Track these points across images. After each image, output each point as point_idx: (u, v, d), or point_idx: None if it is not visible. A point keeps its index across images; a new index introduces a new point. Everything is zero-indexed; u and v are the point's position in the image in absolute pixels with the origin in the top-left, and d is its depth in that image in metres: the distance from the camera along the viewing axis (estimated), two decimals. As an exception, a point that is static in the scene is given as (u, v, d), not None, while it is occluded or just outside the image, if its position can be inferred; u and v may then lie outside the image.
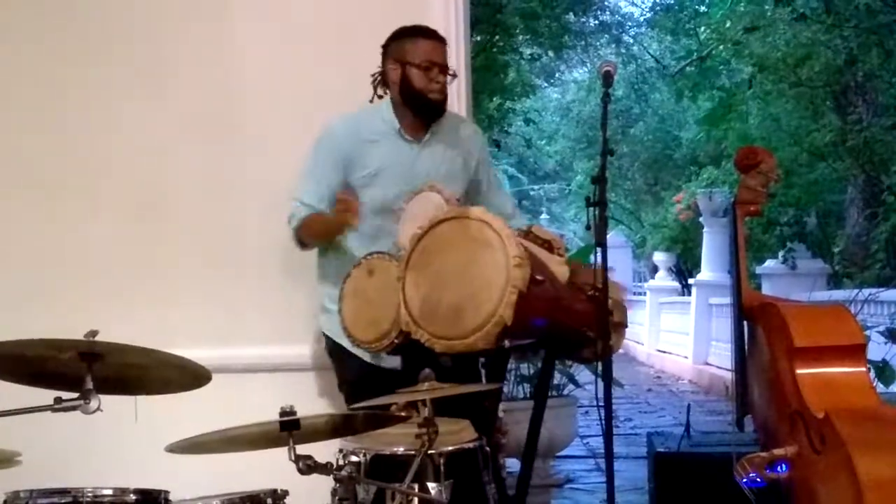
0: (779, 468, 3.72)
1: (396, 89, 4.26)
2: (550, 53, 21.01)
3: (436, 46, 4.27)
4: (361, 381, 4.09)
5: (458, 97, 4.77)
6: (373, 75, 4.34)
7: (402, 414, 3.26)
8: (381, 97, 4.34)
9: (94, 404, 2.84)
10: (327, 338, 4.35)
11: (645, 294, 23.48)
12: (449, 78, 4.29)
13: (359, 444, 3.44)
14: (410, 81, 4.22)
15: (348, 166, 4.23)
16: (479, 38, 14.33)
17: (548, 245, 4.09)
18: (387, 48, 4.30)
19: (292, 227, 4.26)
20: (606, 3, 23.25)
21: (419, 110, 4.26)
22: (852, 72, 15.91)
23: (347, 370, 4.26)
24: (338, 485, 3.25)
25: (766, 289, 14.18)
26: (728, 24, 18.57)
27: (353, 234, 4.19)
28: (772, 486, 3.75)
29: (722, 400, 13.01)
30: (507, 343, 3.77)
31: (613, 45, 23.88)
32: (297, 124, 4.69)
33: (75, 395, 2.86)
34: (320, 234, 4.27)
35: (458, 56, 4.69)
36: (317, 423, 3.08)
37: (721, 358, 15.16)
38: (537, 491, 6.68)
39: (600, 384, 3.76)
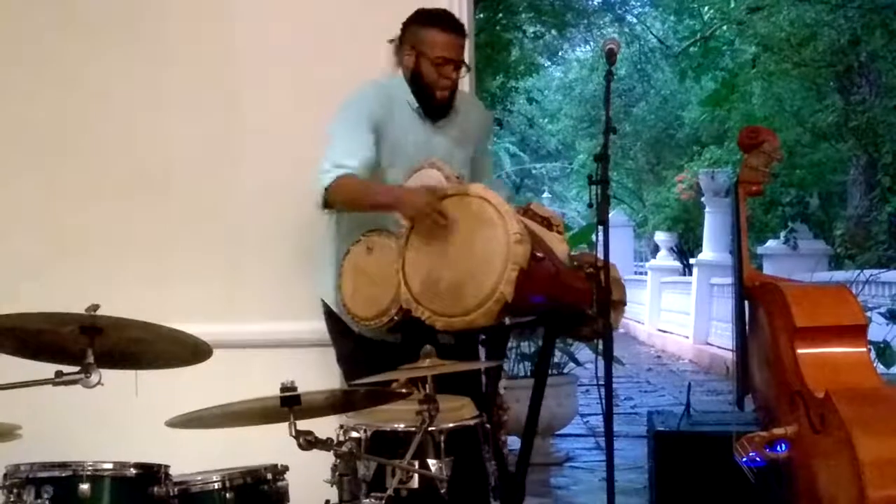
0: (778, 447, 3.73)
1: (408, 74, 4.18)
2: (553, 32, 20.97)
3: (454, 41, 4.15)
4: (360, 352, 4.07)
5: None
6: (390, 41, 4.22)
7: (403, 390, 3.26)
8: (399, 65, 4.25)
9: (94, 378, 2.85)
10: (329, 309, 4.28)
11: (646, 274, 23.48)
12: (463, 71, 4.21)
13: (359, 420, 3.44)
14: (421, 73, 4.13)
15: (379, 129, 4.05)
16: (482, 16, 14.30)
17: (546, 222, 4.07)
18: (406, 28, 4.19)
19: (321, 187, 3.91)
20: (610, -18, 23.25)
21: (423, 102, 4.16)
22: (856, 52, 15.89)
23: (347, 342, 4.22)
24: (338, 460, 3.24)
25: (768, 269, 14.19)
26: (732, 4, 18.58)
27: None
28: (771, 466, 3.76)
29: (722, 379, 13.04)
30: (507, 320, 3.76)
31: (616, 25, 23.81)
32: (296, 103, 4.69)
33: (76, 368, 2.86)
34: (368, 201, 3.99)
35: (461, 33, 4.67)
36: (317, 398, 3.08)
37: (722, 338, 15.19)
38: (537, 469, 6.71)
39: (601, 363, 3.76)
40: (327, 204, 3.97)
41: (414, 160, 4.07)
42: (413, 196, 3.84)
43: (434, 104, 4.17)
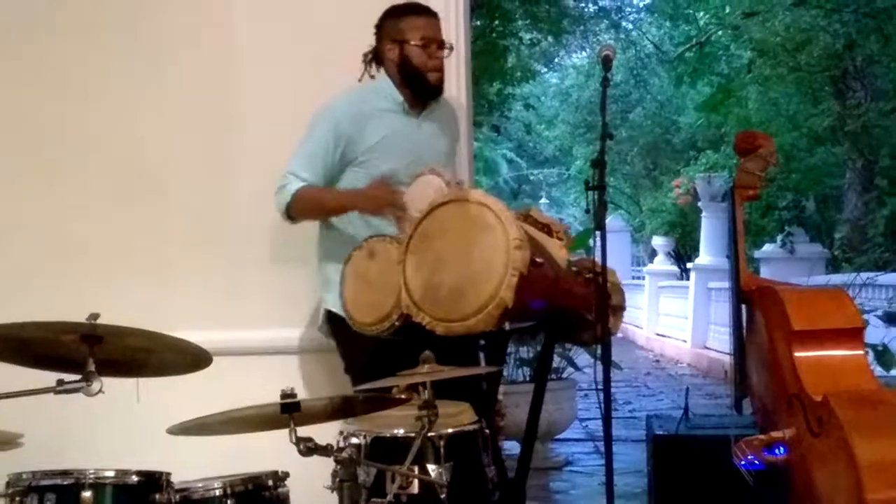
0: (776, 451, 3.73)
1: (395, 68, 4.25)
2: (550, 38, 20.99)
3: (431, 22, 4.27)
4: (372, 353, 4.06)
5: (457, 82, 4.75)
6: (365, 54, 4.33)
7: (403, 396, 3.27)
8: (372, 77, 4.33)
9: (95, 386, 2.85)
10: (334, 316, 4.30)
11: (644, 278, 23.48)
12: (446, 51, 4.29)
13: (359, 427, 3.45)
14: (409, 60, 4.21)
15: (348, 144, 4.20)
16: (478, 23, 14.32)
17: (547, 228, 4.09)
18: (381, 27, 4.29)
19: (283, 200, 4.18)
20: (606, -12, 23.26)
21: (417, 89, 4.26)
22: (851, 57, 15.93)
23: (358, 345, 4.21)
24: (338, 466, 3.25)
25: (765, 273, 14.21)
26: (727, 10, 18.62)
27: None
28: (770, 469, 3.76)
29: (720, 383, 13.03)
30: (507, 325, 3.77)
31: (612, 31, 23.83)
32: (295, 105, 4.68)
33: (77, 377, 2.86)
34: (327, 206, 4.22)
35: (457, 40, 4.68)
36: (317, 405, 3.09)
37: (720, 342, 15.19)
38: (537, 473, 6.71)
39: (599, 367, 3.77)
40: (290, 216, 4.23)
41: (402, 151, 4.20)
42: (371, 190, 4.09)
43: (427, 87, 4.26)
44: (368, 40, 4.35)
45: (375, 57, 4.32)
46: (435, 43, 4.24)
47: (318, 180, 4.20)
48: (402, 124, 4.26)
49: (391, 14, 4.29)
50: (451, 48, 4.36)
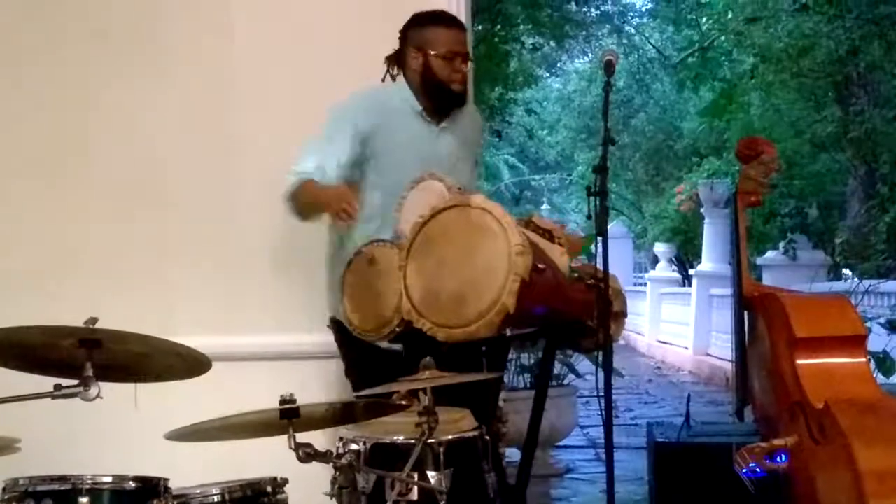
0: (778, 458, 3.72)
1: (418, 77, 4.20)
2: (552, 43, 21.03)
3: (457, 35, 4.22)
4: (372, 363, 4.05)
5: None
6: (387, 57, 4.27)
7: (402, 402, 3.26)
8: (394, 78, 4.28)
9: (93, 391, 2.84)
10: (338, 322, 4.28)
11: (645, 285, 23.47)
12: (470, 64, 4.26)
13: (359, 433, 3.43)
14: (433, 71, 4.16)
15: (366, 142, 4.14)
16: (480, 27, 14.32)
17: (548, 234, 4.07)
18: (405, 34, 4.23)
19: (286, 193, 4.11)
20: (607, -7, 23.29)
21: (440, 100, 4.20)
22: (854, 63, 15.94)
23: (358, 353, 4.21)
24: (337, 473, 3.25)
25: (767, 280, 14.20)
26: (730, 15, 18.63)
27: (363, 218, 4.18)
28: (771, 477, 3.75)
29: (722, 390, 13.03)
30: (508, 332, 3.76)
31: (615, 36, 23.86)
32: (296, 111, 4.69)
33: (75, 382, 2.86)
34: (309, 201, 4.12)
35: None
36: (316, 411, 3.07)
37: (721, 349, 15.17)
38: (537, 481, 6.69)
39: (600, 374, 3.76)
40: (295, 212, 4.16)
41: (418, 160, 4.11)
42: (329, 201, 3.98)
43: (450, 96, 4.21)
44: (371, 49, 4.33)
45: (398, 60, 4.28)
46: (459, 56, 4.19)
47: (328, 167, 4.08)
48: (420, 132, 4.22)
49: (417, 22, 4.23)
50: (472, 61, 4.32)
